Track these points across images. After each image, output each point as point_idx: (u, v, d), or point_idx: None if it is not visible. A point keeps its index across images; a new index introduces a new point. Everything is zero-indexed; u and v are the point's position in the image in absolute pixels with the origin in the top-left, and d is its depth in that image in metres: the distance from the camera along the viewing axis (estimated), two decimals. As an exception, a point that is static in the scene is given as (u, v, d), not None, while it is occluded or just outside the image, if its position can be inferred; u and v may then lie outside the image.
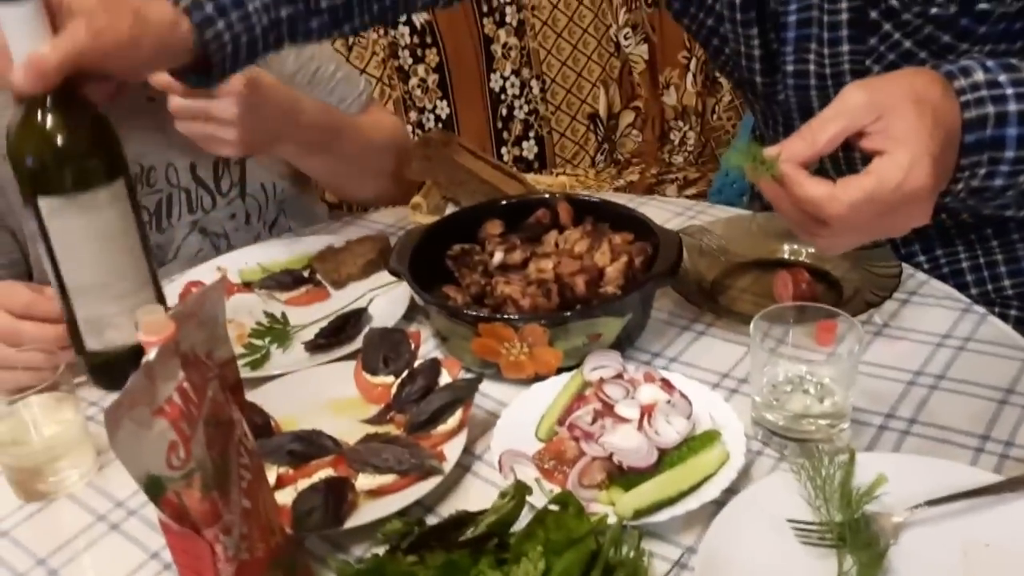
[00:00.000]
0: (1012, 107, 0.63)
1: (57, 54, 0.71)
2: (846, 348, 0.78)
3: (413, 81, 2.00)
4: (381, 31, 1.94)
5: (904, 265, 1.02)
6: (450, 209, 1.16)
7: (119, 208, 0.77)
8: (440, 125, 2.03)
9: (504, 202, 1.05)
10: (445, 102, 2.04)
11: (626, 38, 2.16)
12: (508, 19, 2.07)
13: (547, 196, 1.04)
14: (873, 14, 0.82)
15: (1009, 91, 0.63)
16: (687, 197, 1.98)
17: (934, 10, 0.78)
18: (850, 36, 0.85)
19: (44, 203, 0.74)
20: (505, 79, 2.08)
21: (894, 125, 0.61)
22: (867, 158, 0.63)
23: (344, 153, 1.17)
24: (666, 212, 1.19)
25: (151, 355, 0.51)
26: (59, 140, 0.74)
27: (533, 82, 2.11)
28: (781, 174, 0.64)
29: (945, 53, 0.80)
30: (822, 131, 0.63)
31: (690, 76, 2.16)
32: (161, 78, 0.90)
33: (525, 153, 2.13)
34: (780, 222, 1.11)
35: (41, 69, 0.71)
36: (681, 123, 2.20)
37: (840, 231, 0.65)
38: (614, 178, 2.09)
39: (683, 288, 0.97)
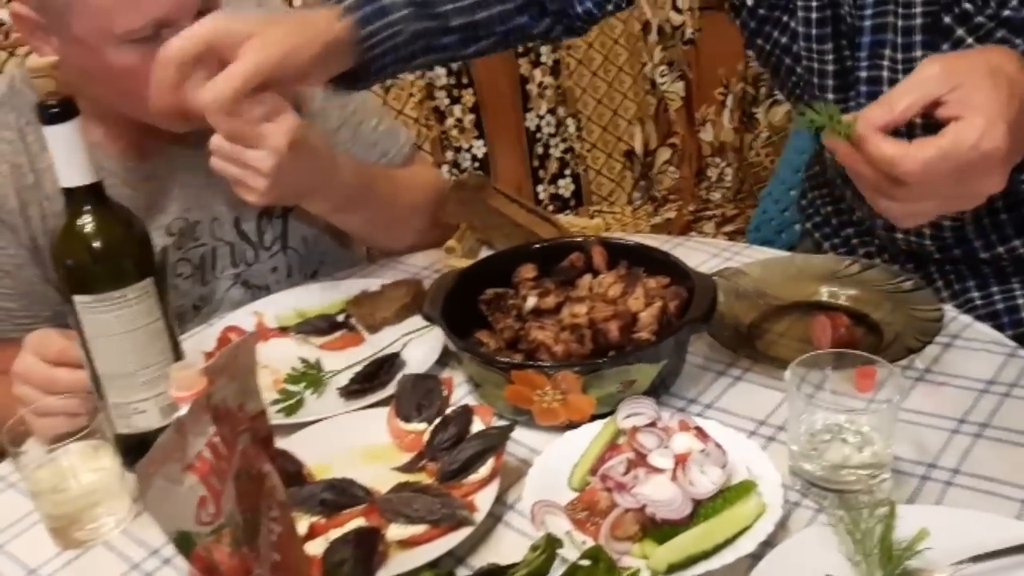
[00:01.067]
0: None
1: (241, 72, 0.81)
2: (886, 396, 0.76)
3: (449, 121, 2.02)
4: (418, 72, 1.97)
5: (947, 308, 1.01)
6: (484, 252, 1.16)
7: (146, 304, 0.81)
8: (476, 164, 2.05)
9: (538, 246, 1.05)
10: (481, 141, 2.06)
11: (662, 75, 2.17)
12: (543, 59, 2.09)
13: (581, 240, 1.04)
14: (947, 19, 0.83)
15: None
16: (725, 234, 1.98)
17: (1006, 12, 0.78)
18: (923, 42, 0.85)
19: (79, 300, 0.79)
20: (541, 118, 2.10)
21: (970, 94, 0.62)
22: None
23: (377, 211, 1.17)
24: (703, 253, 1.19)
25: (182, 410, 0.51)
26: (94, 245, 0.79)
27: (569, 120, 2.12)
28: (857, 136, 0.64)
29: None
30: (899, 100, 0.63)
31: (727, 112, 2.16)
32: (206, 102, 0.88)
33: (561, 191, 2.14)
34: (819, 264, 1.10)
35: (228, 89, 0.80)
36: (718, 160, 2.19)
37: (916, 193, 0.65)
38: (651, 215, 2.09)
39: (719, 332, 0.96)
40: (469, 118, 2.04)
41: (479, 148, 2.05)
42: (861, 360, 0.78)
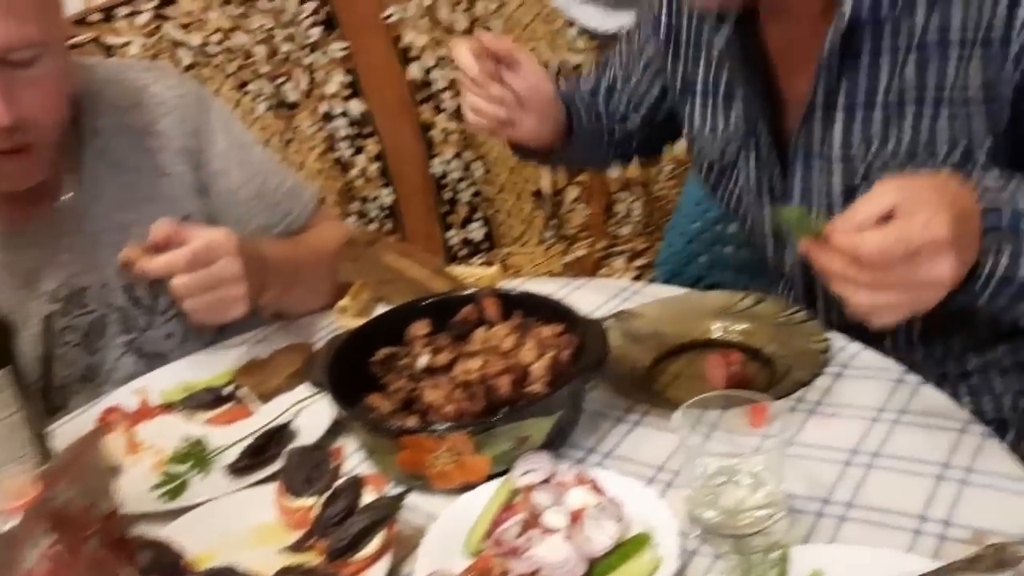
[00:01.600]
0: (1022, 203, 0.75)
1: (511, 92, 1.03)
2: (774, 436, 0.76)
3: (353, 172, 2.00)
4: (318, 124, 1.95)
5: (836, 336, 1.02)
6: (380, 310, 1.13)
7: (5, 395, 0.77)
8: (384, 213, 2.03)
9: (430, 301, 1.03)
10: (388, 190, 2.04)
11: (564, 115, 2.18)
12: (446, 104, 2.09)
13: (473, 292, 1.03)
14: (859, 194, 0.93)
15: (1019, 194, 0.76)
16: (636, 268, 1.99)
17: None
18: (841, 204, 0.97)
19: None
20: (447, 163, 2.10)
21: (918, 195, 0.70)
22: None
23: (305, 282, 1.15)
24: (601, 295, 1.18)
25: (8, 524, 0.48)
26: None
27: (475, 164, 2.12)
28: (824, 233, 0.72)
29: None
30: (859, 210, 0.71)
31: (630, 148, 2.18)
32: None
33: (472, 235, 2.13)
34: (713, 300, 1.11)
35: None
36: (625, 195, 2.21)
37: (878, 278, 0.71)
38: (563, 254, 2.10)
39: (614, 378, 0.95)
40: (374, 167, 2.02)
41: (386, 197, 2.02)
42: (747, 399, 0.78)
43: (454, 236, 2.11)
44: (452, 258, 2.13)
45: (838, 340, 1.01)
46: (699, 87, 1.11)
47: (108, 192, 1.11)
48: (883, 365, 0.96)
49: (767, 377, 0.96)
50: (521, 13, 2.16)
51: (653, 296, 1.13)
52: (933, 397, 0.90)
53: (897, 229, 0.69)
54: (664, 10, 1.13)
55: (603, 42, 2.17)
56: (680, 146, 2.18)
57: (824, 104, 0.96)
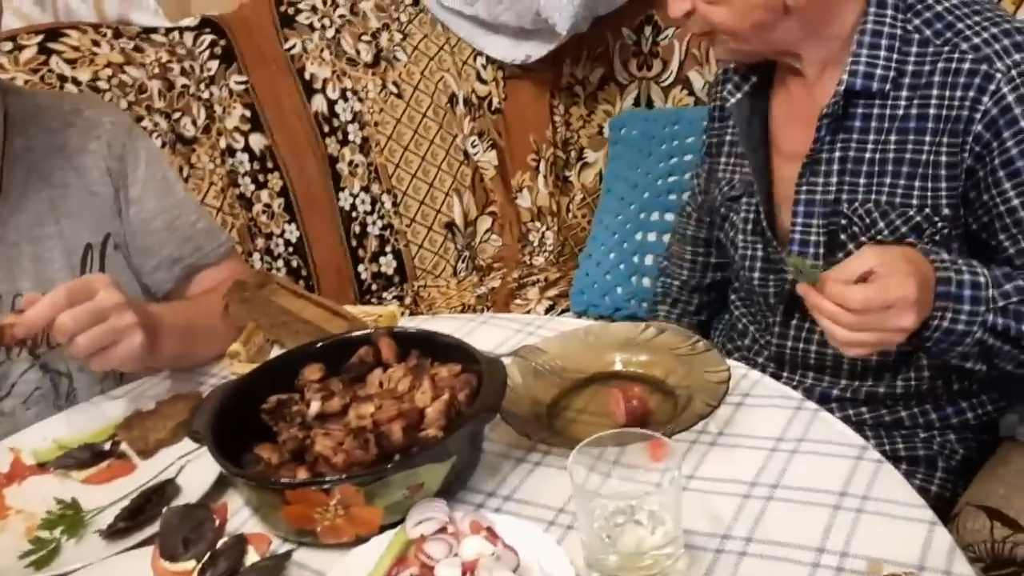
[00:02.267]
0: (965, 277, 0.95)
1: None
2: (668, 474, 0.74)
3: (257, 208, 1.94)
4: (218, 160, 1.89)
5: (737, 364, 1.02)
6: (275, 353, 1.09)
7: None
8: (290, 249, 1.98)
9: (323, 343, 0.99)
10: (293, 225, 1.99)
11: (473, 146, 2.17)
12: (351, 137, 2.05)
13: (368, 333, 0.99)
14: (842, 236, 1.10)
15: (963, 268, 0.96)
16: (549, 299, 1.98)
17: (882, 236, 1.08)
18: (824, 253, 1.11)
19: None
20: (355, 196, 2.06)
21: (892, 264, 0.90)
22: None
23: (201, 340, 1.15)
24: (504, 330, 1.16)
25: None
26: None
27: (384, 197, 2.09)
28: (821, 280, 0.90)
29: None
30: (848, 267, 0.90)
31: (541, 178, 2.18)
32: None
33: (384, 269, 2.09)
34: (615, 332, 1.09)
35: None
36: (538, 224, 2.20)
37: (859, 322, 0.89)
38: (476, 285, 2.07)
39: (515, 417, 0.93)
40: (278, 202, 1.96)
41: (291, 232, 1.97)
42: (640, 437, 0.77)
43: (364, 271, 2.06)
44: (364, 292, 2.08)
45: (739, 368, 1.01)
46: (727, 146, 1.26)
47: (32, 205, 1.13)
48: (783, 393, 0.97)
49: (669, 409, 0.95)
50: (426, 44, 2.15)
51: (556, 330, 1.11)
52: (830, 424, 0.90)
53: (877, 287, 0.88)
54: (721, 76, 1.27)
55: (509, 72, 2.17)
56: (589, 174, 2.21)
57: (826, 160, 1.10)
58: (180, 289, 1.25)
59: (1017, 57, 1.00)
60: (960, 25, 1.04)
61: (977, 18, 1.05)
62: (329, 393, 0.91)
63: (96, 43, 1.77)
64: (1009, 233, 1.03)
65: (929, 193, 1.05)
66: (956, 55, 1.02)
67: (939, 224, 1.05)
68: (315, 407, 0.90)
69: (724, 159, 1.26)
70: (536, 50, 2.09)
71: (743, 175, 1.21)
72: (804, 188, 1.12)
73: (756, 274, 1.20)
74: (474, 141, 2.17)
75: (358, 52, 2.07)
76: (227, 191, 1.89)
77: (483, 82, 2.19)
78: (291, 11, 2.03)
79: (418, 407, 0.87)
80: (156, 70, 1.82)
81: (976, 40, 1.03)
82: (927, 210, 1.05)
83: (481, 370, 0.90)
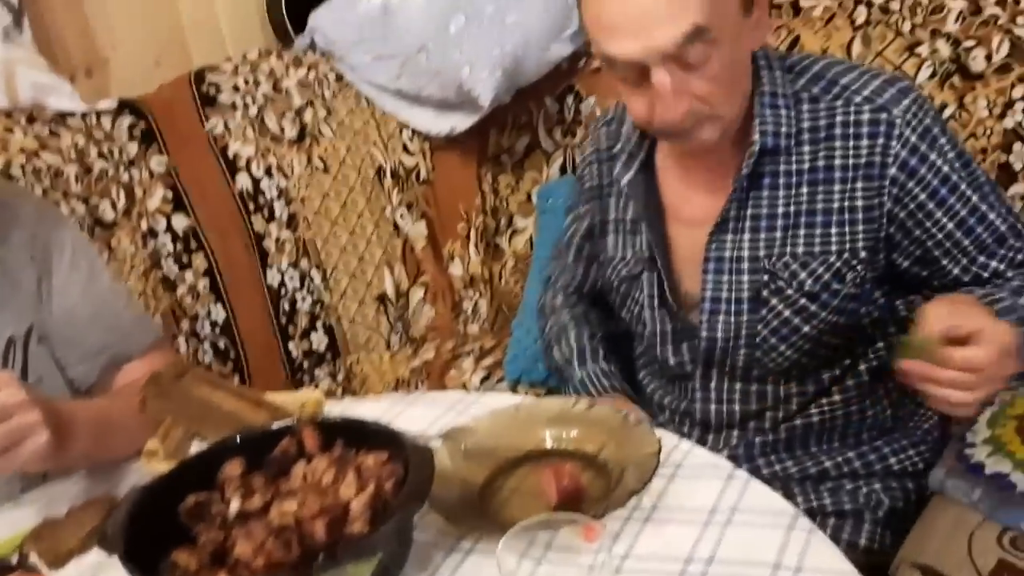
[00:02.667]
0: (1008, 302, 1.03)
1: None
2: (601, 555, 0.73)
3: (182, 289, 1.89)
4: (140, 242, 1.84)
5: (668, 435, 1.01)
6: (196, 447, 1.05)
7: None
8: (217, 330, 1.93)
9: (243, 437, 0.96)
10: (220, 305, 1.94)
11: (402, 217, 2.17)
12: (278, 213, 2.03)
13: (290, 424, 0.96)
14: (764, 292, 1.12)
15: (999, 295, 1.05)
16: (485, 368, 1.96)
17: (807, 288, 1.10)
18: (749, 308, 1.13)
19: None
20: (283, 272, 2.02)
21: (976, 316, 0.93)
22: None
23: (118, 436, 1.11)
24: (434, 410, 1.14)
25: None
26: None
27: (314, 272, 2.06)
28: (939, 354, 0.90)
29: (809, 318, 1.11)
30: (953, 331, 0.90)
31: (472, 246, 2.18)
32: None
33: (315, 346, 2.05)
34: (546, 407, 1.08)
35: None
36: (471, 292, 2.20)
37: (983, 379, 0.90)
38: (410, 358, 2.04)
39: (445, 504, 0.90)
40: (203, 282, 1.92)
41: (218, 313, 1.92)
42: (570, 520, 0.75)
43: (295, 348, 2.02)
44: (295, 371, 2.03)
45: (670, 439, 1.00)
46: (611, 224, 1.26)
47: None
48: (714, 462, 0.96)
49: (602, 485, 0.94)
50: (352, 119, 2.15)
51: (487, 407, 1.10)
52: (761, 493, 0.90)
53: (990, 342, 0.90)
54: (592, 157, 1.30)
55: (436, 143, 2.19)
56: (520, 240, 2.22)
57: (735, 219, 1.12)
58: (105, 381, 1.21)
59: (907, 102, 1.08)
60: (844, 80, 1.11)
61: (854, 74, 1.12)
62: (250, 490, 0.88)
63: (9, 129, 1.72)
64: (951, 256, 1.09)
65: (847, 238, 1.09)
66: (852, 108, 1.08)
67: (858, 267, 1.09)
68: (235, 506, 0.86)
69: (612, 238, 1.26)
70: (461, 122, 2.10)
71: (638, 252, 1.21)
72: (713, 249, 1.14)
73: (669, 346, 1.21)
74: (403, 212, 2.17)
75: (282, 129, 2.06)
76: (150, 274, 1.84)
77: (410, 153, 2.19)
78: (212, 91, 2.01)
79: (342, 501, 0.84)
80: (73, 155, 1.78)
81: (866, 92, 1.09)
82: (846, 255, 1.09)
83: (408, 457, 0.88)
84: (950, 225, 1.08)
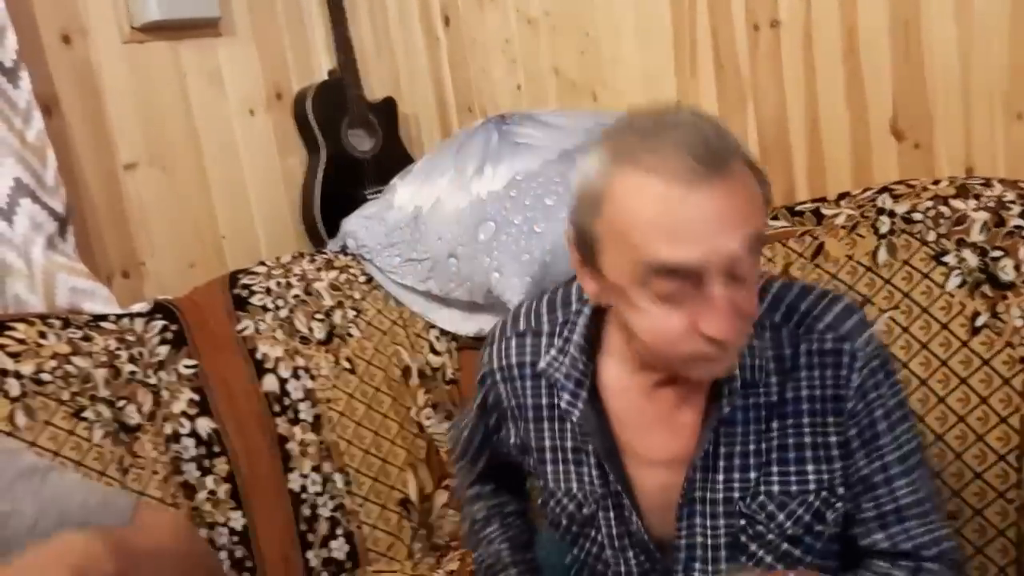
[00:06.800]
0: None
1: None
2: None
3: (201, 495, 1.84)
4: (161, 448, 1.81)
5: None
6: None
7: None
8: (235, 539, 1.86)
9: None
10: (239, 512, 1.88)
11: (427, 418, 2.14)
12: (303, 415, 2.00)
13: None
14: (743, 538, 1.07)
15: None
16: None
17: (788, 531, 1.06)
18: (727, 556, 1.08)
19: None
20: (305, 476, 1.97)
21: None
22: None
23: None
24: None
25: None
26: None
27: (336, 475, 2.01)
28: None
29: (794, 564, 1.06)
30: None
31: (497, 447, 2.13)
32: None
33: (335, 554, 1.97)
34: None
35: None
36: (496, 495, 2.12)
37: None
38: (433, 568, 1.95)
39: None
40: (224, 488, 1.86)
41: (237, 520, 1.85)
42: None
43: (314, 557, 1.94)
44: (313, 581, 1.94)
45: None
46: (548, 453, 1.17)
47: None
48: None
49: None
50: (379, 320, 2.18)
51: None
52: None
53: None
54: (502, 385, 1.20)
55: (463, 343, 2.19)
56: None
57: (706, 460, 1.06)
58: None
59: (867, 335, 1.04)
60: (803, 306, 1.06)
61: (813, 297, 1.07)
62: None
63: (43, 334, 1.74)
64: (870, 496, 1.05)
65: (825, 475, 1.04)
66: (815, 336, 1.04)
67: (838, 505, 1.04)
68: None
69: (550, 467, 1.16)
70: (488, 323, 2.12)
71: (594, 488, 1.12)
72: (687, 491, 1.07)
73: None
74: (428, 413, 2.14)
75: (311, 330, 2.08)
76: (170, 480, 1.80)
77: (436, 353, 2.19)
78: (245, 293, 2.05)
79: None
80: (104, 358, 1.79)
81: (828, 319, 1.04)
82: (824, 492, 1.04)
83: None
84: (865, 471, 1.05)
